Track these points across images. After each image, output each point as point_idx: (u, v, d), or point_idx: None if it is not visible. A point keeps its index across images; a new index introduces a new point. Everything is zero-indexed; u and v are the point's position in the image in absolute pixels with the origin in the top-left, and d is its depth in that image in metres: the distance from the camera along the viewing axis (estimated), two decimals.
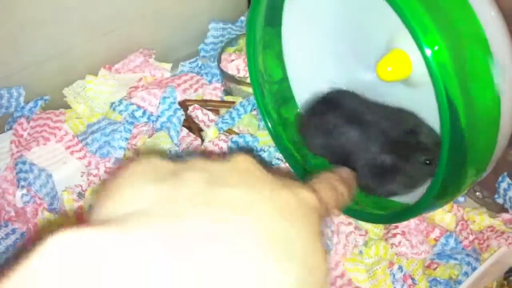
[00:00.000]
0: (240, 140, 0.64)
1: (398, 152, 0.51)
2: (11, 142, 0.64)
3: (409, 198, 0.52)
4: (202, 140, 0.67)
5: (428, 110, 0.46)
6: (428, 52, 0.40)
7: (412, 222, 0.58)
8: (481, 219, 0.59)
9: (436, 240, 0.58)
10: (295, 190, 0.28)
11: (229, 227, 0.23)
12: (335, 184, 0.36)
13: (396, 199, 0.56)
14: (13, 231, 0.58)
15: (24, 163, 0.61)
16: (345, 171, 0.41)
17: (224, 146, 0.64)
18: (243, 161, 0.29)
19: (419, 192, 0.49)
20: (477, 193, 0.62)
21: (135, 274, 0.20)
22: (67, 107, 0.70)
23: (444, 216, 0.59)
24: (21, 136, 0.65)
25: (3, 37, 0.63)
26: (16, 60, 0.66)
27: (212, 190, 0.25)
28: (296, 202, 0.27)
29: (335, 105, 0.56)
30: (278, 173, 0.31)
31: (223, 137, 0.65)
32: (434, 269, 0.57)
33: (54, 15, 0.65)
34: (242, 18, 0.83)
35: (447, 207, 0.59)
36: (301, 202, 0.28)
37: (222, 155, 0.64)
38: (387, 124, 0.52)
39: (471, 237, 0.57)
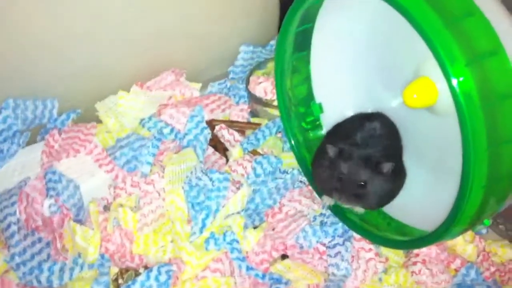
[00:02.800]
0: (264, 161, 0.65)
1: None
2: (42, 153, 0.66)
3: (429, 225, 0.52)
4: (227, 160, 0.68)
5: (451, 138, 0.46)
6: (454, 81, 0.41)
7: (433, 251, 0.58)
8: (503, 251, 0.58)
9: (457, 270, 0.57)
10: None
11: None
12: None
13: (417, 225, 0.56)
14: (39, 239, 0.59)
15: (53, 173, 0.62)
16: None
17: (248, 166, 0.65)
18: None
19: (439, 219, 0.49)
20: (500, 225, 0.61)
21: None
22: (98, 121, 0.72)
23: (465, 246, 0.59)
24: (52, 147, 0.67)
25: (43, 47, 0.65)
26: (54, 71, 0.68)
27: None
28: None
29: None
30: None
31: (247, 157, 0.66)
32: None
33: (94, 29, 0.67)
34: (272, 42, 0.84)
35: (469, 238, 0.59)
36: None
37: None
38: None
39: (492, 269, 0.57)
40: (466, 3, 0.43)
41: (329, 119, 0.64)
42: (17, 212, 0.60)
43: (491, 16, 0.43)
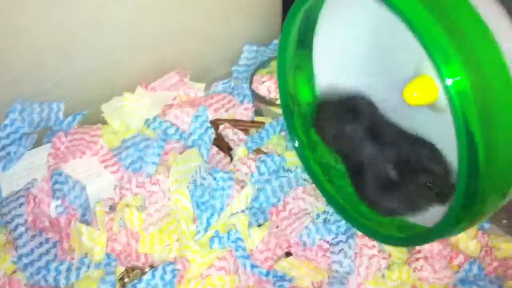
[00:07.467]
0: (268, 160, 0.65)
1: (403, 171, 0.53)
2: (48, 155, 0.67)
3: (431, 221, 0.52)
4: (231, 159, 0.68)
5: (451, 136, 0.46)
6: (448, 81, 0.41)
7: (436, 247, 0.58)
8: (507, 246, 0.58)
9: (459, 266, 0.58)
10: None
11: None
12: None
13: (419, 222, 0.56)
14: (47, 240, 0.60)
15: (60, 174, 0.63)
16: None
17: (253, 165, 0.65)
18: None
19: (440, 215, 0.49)
20: (504, 220, 0.61)
21: None
22: (104, 122, 0.72)
23: (468, 242, 0.59)
24: (59, 149, 0.68)
25: (48, 51, 0.66)
26: (59, 74, 0.69)
27: None
28: None
29: (354, 114, 0.59)
30: None
31: (251, 156, 0.66)
32: None
33: (98, 31, 0.68)
34: (275, 41, 0.85)
35: (472, 233, 0.59)
36: None
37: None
38: (400, 143, 0.54)
39: (495, 264, 0.57)
40: (462, 4, 0.43)
41: None
42: (25, 214, 0.61)
43: (487, 16, 0.43)
